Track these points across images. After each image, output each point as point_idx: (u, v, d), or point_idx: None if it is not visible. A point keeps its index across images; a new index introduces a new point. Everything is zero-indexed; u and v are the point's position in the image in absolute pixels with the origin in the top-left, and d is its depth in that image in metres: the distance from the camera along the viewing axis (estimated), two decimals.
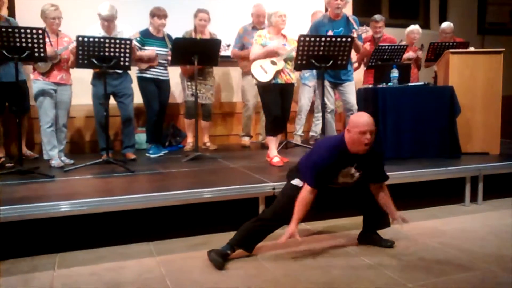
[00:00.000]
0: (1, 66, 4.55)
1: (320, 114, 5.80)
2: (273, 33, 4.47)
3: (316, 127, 5.92)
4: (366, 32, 4.61)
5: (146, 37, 5.13)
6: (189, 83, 5.41)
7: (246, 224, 3.00)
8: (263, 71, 4.34)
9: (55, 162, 4.47)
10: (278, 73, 4.35)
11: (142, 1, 5.62)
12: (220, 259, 2.83)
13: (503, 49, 4.88)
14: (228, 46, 5.28)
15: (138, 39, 5.02)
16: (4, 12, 4.77)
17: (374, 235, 3.19)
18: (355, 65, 6.02)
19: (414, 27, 6.05)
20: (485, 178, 4.23)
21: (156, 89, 5.24)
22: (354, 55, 5.58)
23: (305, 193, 2.88)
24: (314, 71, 5.65)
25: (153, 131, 5.34)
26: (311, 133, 6.02)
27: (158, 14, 5.12)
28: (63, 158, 4.67)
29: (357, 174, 2.96)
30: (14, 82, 4.01)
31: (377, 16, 5.91)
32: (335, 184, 2.99)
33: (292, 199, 2.93)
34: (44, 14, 4.47)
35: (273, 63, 4.35)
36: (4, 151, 4.98)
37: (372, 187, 3.07)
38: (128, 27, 4.80)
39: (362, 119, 2.83)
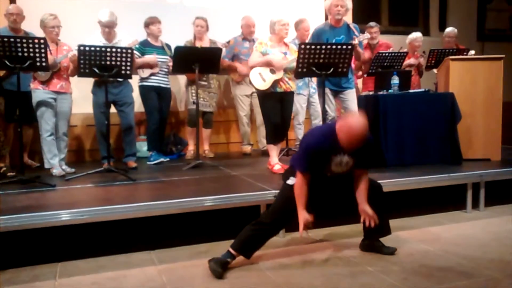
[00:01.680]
0: (10, 76, 4.58)
1: (317, 121, 5.81)
2: (275, 41, 4.48)
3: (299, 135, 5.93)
4: (367, 39, 4.63)
5: (145, 46, 5.18)
6: (193, 91, 5.44)
7: (245, 228, 2.99)
8: (261, 79, 4.35)
9: (56, 171, 4.47)
10: (277, 82, 4.36)
11: (140, 11, 5.65)
12: (219, 269, 2.82)
13: (503, 56, 4.89)
14: (228, 42, 5.33)
15: (137, 46, 5.05)
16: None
17: (375, 242, 3.18)
18: (359, 73, 6.03)
19: (417, 35, 6.07)
20: (486, 184, 4.22)
21: (157, 97, 5.27)
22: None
23: (298, 180, 2.90)
24: (307, 80, 5.67)
25: (154, 139, 5.35)
26: None
27: (151, 21, 5.24)
28: (64, 167, 4.67)
29: (351, 162, 2.91)
30: (19, 92, 4.02)
31: (371, 23, 6.01)
32: (329, 172, 2.94)
33: (288, 199, 2.93)
34: (43, 23, 4.50)
35: (272, 71, 4.36)
36: (8, 160, 4.98)
37: (355, 172, 3.01)
38: (127, 36, 4.82)
39: (356, 130, 2.74)
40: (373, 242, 3.18)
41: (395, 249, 3.13)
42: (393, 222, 3.83)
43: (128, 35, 4.87)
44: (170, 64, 5.10)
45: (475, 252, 3.16)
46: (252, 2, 6.29)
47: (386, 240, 3.20)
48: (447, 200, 4.22)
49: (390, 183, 3.90)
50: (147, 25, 5.27)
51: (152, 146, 5.35)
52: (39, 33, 4.54)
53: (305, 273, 2.86)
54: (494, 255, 3.10)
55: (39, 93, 4.47)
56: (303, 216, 2.86)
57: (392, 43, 6.09)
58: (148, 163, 5.24)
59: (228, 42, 5.44)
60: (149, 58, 5.15)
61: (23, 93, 4.12)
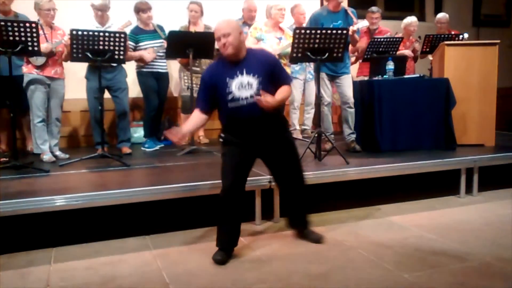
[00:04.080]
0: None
1: (310, 107, 5.81)
2: (270, 26, 4.45)
3: (308, 120, 5.92)
4: (366, 26, 4.59)
5: (138, 34, 5.09)
6: (185, 77, 5.39)
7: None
8: None
9: (46, 157, 4.44)
10: None
11: None
12: (219, 257, 2.81)
13: (498, 41, 4.88)
14: None
15: (130, 35, 4.97)
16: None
17: (304, 230, 3.18)
18: (352, 59, 6.01)
19: (412, 20, 6.04)
20: (480, 169, 4.24)
21: (155, 83, 5.21)
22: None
23: (193, 113, 2.94)
24: (304, 65, 5.64)
25: (151, 126, 5.32)
26: (302, 127, 6.01)
27: (142, 8, 5.09)
28: (58, 152, 4.65)
29: (254, 82, 2.77)
30: (11, 77, 3.97)
31: (373, 8, 5.92)
32: (240, 100, 2.78)
33: (224, 155, 2.92)
34: (38, 6, 4.44)
35: None
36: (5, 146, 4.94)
37: None
38: (119, 20, 4.74)
39: (216, 28, 2.82)
40: (301, 230, 3.19)
41: (321, 237, 3.10)
42: (387, 207, 3.90)
43: (121, 19, 4.80)
44: (165, 45, 5.01)
45: (468, 237, 3.18)
46: None
47: (378, 224, 3.22)
48: (441, 185, 4.25)
49: (384, 168, 3.93)
50: (137, 11, 5.12)
51: (148, 132, 5.32)
52: (32, 15, 4.47)
53: (300, 258, 2.87)
54: (487, 239, 3.13)
55: (32, 78, 4.42)
56: (181, 131, 2.84)
57: (391, 30, 6.04)
58: (142, 148, 5.22)
59: None
60: (147, 56, 5.03)
61: (14, 78, 4.06)
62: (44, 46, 4.21)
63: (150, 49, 5.08)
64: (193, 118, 2.94)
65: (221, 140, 2.97)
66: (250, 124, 2.84)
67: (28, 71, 4.43)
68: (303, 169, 3.14)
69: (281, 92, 2.87)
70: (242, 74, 2.78)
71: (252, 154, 2.95)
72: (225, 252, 2.86)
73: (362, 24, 4.54)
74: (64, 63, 4.64)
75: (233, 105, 2.81)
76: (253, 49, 3.01)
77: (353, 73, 6.32)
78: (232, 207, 2.89)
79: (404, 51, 5.86)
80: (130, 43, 4.96)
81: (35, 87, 4.41)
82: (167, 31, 5.02)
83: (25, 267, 2.80)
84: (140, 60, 5.07)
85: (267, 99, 2.73)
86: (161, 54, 5.19)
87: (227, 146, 2.93)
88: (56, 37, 4.51)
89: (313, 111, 5.92)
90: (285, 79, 2.97)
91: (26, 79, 4.44)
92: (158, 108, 5.30)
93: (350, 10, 4.60)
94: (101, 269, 2.77)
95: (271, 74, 2.85)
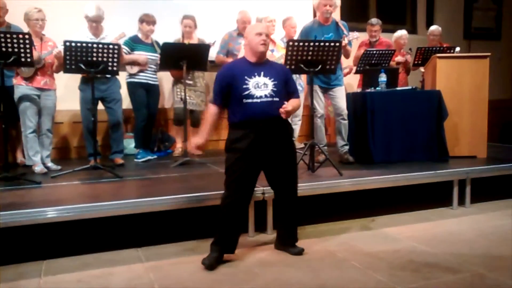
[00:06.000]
0: None
1: (298, 118, 5.85)
2: None
3: (294, 132, 5.95)
4: (357, 38, 4.64)
5: (135, 42, 5.12)
6: (178, 89, 5.39)
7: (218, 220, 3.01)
8: None
9: (38, 168, 4.41)
10: None
11: (130, 5, 5.61)
12: (208, 262, 2.87)
13: (489, 54, 4.94)
14: (214, 43, 5.29)
15: (127, 41, 5.00)
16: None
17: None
18: (346, 70, 6.05)
19: (402, 33, 6.11)
20: (472, 181, 4.26)
21: (145, 94, 5.22)
22: (345, 61, 5.59)
23: (209, 109, 3.05)
24: (295, 77, 5.66)
25: (141, 136, 5.31)
26: None
27: (146, 20, 5.14)
28: (50, 164, 4.62)
29: (270, 83, 2.97)
30: (3, 87, 3.95)
31: (373, 20, 5.98)
32: (254, 97, 2.93)
33: (232, 164, 2.95)
34: (27, 16, 4.44)
35: None
36: None
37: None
38: (113, 31, 4.76)
39: (258, 24, 3.09)
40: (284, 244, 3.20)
41: (302, 250, 3.11)
42: (380, 219, 3.90)
43: (115, 29, 4.81)
44: (159, 62, 5.04)
45: (461, 248, 3.19)
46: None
47: (369, 236, 3.21)
48: (433, 197, 4.25)
49: (378, 179, 3.93)
50: (141, 21, 5.18)
51: (139, 143, 5.31)
52: (26, 27, 4.48)
53: (293, 270, 2.85)
54: (479, 250, 3.13)
55: (22, 89, 4.40)
56: (197, 140, 3.04)
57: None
58: (135, 160, 5.20)
59: (214, 43, 5.38)
60: (141, 58, 5.06)
61: (5, 88, 4.04)
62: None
63: (145, 56, 5.10)
64: (211, 116, 3.04)
65: (229, 142, 3.00)
66: (262, 121, 2.94)
67: (17, 83, 4.42)
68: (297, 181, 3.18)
69: (293, 103, 3.07)
70: (260, 75, 2.99)
71: (257, 164, 2.99)
72: (215, 258, 2.90)
73: (352, 36, 4.59)
74: (56, 74, 4.63)
75: (248, 101, 2.95)
76: (270, 60, 3.25)
77: (352, 85, 6.38)
78: (232, 220, 2.97)
79: (397, 58, 5.90)
80: (125, 48, 4.96)
81: (25, 98, 4.39)
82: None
83: (15, 280, 2.76)
84: (133, 64, 5.06)
85: (287, 107, 2.94)
86: (154, 67, 5.21)
87: (232, 153, 2.97)
88: (46, 48, 4.49)
89: (300, 122, 5.96)
90: (295, 91, 3.18)
91: (16, 91, 4.42)
92: (148, 119, 5.29)
93: (341, 23, 4.65)
94: (93, 282, 2.73)
95: (285, 82, 3.08)
